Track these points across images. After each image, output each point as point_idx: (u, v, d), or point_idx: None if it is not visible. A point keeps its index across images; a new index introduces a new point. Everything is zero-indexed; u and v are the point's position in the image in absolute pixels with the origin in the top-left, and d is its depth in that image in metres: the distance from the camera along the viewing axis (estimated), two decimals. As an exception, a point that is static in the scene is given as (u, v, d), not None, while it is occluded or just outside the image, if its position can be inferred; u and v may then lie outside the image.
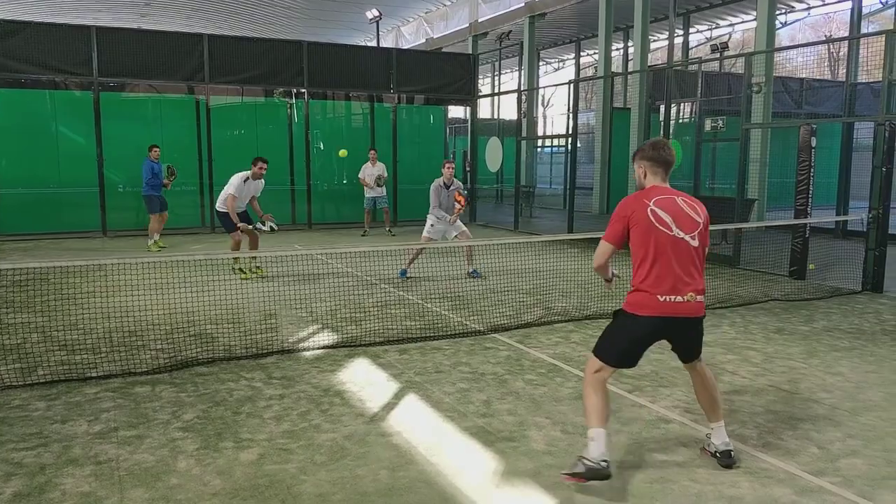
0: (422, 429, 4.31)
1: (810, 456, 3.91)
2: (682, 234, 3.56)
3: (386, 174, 14.81)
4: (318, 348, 6.09)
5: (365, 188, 14.71)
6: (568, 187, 14.09)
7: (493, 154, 16.53)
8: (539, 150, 32.53)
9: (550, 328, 6.81)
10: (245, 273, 9.01)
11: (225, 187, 9.29)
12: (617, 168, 19.53)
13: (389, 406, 4.72)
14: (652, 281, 3.54)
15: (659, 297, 3.52)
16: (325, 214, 16.42)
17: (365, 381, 5.24)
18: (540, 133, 35.46)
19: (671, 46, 18.07)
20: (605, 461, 3.45)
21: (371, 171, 14.52)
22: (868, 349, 6.10)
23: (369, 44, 30.41)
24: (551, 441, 4.11)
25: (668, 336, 3.67)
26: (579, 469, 3.48)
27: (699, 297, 3.59)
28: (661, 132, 13.56)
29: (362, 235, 14.53)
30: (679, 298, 3.53)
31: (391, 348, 6.09)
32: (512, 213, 16.85)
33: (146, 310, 7.17)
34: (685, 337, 3.70)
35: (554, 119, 43.55)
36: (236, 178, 9.19)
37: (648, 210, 3.57)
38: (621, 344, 3.66)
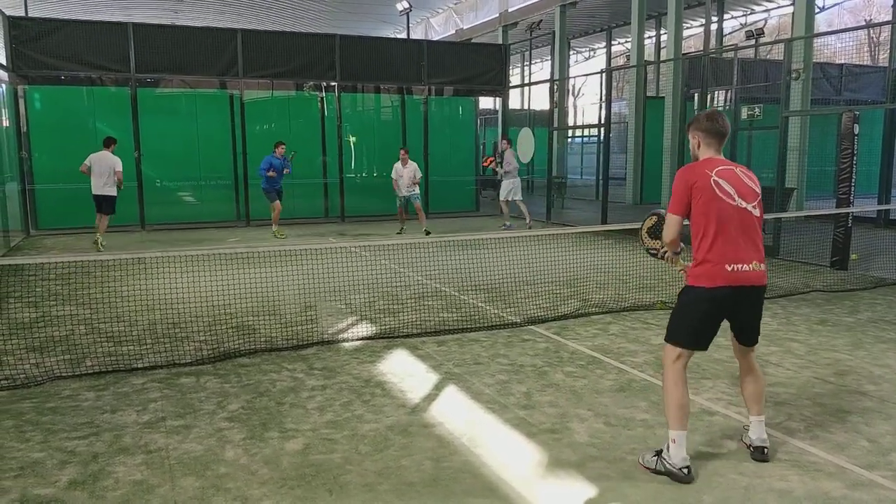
0: (463, 420, 4.32)
1: (860, 449, 3.84)
2: (744, 204, 3.55)
3: (420, 174, 13.64)
4: (357, 339, 6.15)
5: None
6: (601, 178, 13.91)
7: (525, 145, 16.44)
8: (570, 140, 32.29)
9: (588, 320, 6.77)
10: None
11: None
12: (650, 157, 19.33)
13: (430, 397, 4.75)
14: (718, 251, 3.51)
15: (727, 266, 3.50)
16: (358, 207, 16.48)
17: (404, 372, 5.27)
18: (571, 123, 35.17)
19: (707, 33, 17.78)
20: (687, 468, 3.48)
21: (401, 171, 13.33)
22: (916, 341, 5.97)
23: (399, 36, 30.45)
24: (594, 433, 4.10)
25: (736, 308, 3.60)
26: (659, 468, 3.54)
27: (762, 266, 3.59)
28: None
29: (398, 234, 13.57)
30: (746, 267, 3.52)
31: (429, 339, 6.12)
32: (543, 204, 16.77)
33: (188, 302, 7.27)
34: (750, 311, 3.66)
35: (585, 109, 43.15)
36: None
37: (712, 181, 3.54)
38: (694, 321, 3.60)
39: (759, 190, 3.66)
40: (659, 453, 3.61)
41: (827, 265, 9.34)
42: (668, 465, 3.51)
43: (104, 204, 11.53)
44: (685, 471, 3.47)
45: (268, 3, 27.41)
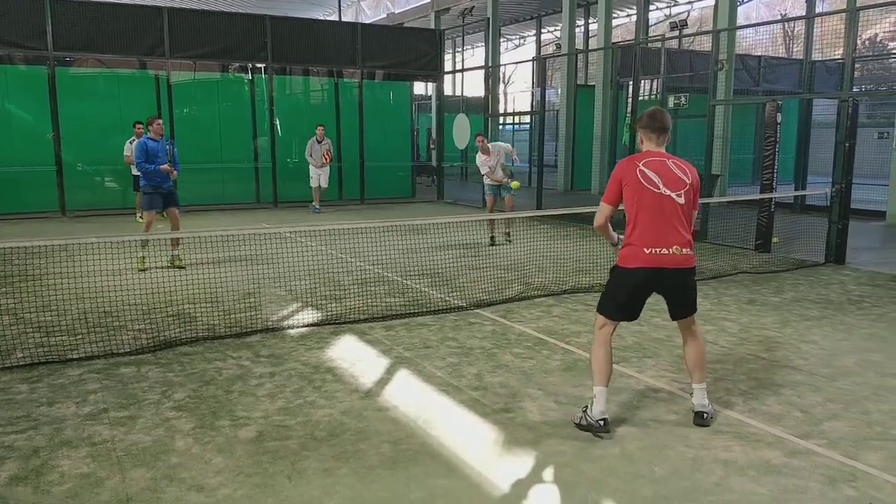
0: (418, 402, 4.34)
1: (795, 420, 4.07)
2: (668, 192, 3.83)
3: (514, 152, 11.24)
4: (303, 326, 6.06)
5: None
6: (536, 165, 14.11)
7: (461, 131, 16.49)
8: (500, 127, 32.55)
9: (531, 303, 6.89)
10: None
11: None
12: (581, 145, 19.70)
13: (382, 381, 4.74)
14: (639, 235, 3.84)
15: (645, 249, 3.81)
16: (291, 192, 16.17)
17: (354, 357, 5.24)
18: (502, 111, 35.46)
19: (639, 22, 18.22)
20: (602, 420, 3.80)
21: (486, 159, 10.68)
22: (837, 318, 6.34)
23: (329, 18, 29.93)
24: (545, 412, 4.19)
25: (658, 288, 3.92)
26: (582, 422, 3.87)
27: (685, 250, 3.84)
28: (629, 109, 13.70)
29: (491, 244, 10.33)
30: (665, 251, 3.79)
31: (376, 325, 6.10)
32: (477, 191, 16.85)
33: (120, 290, 7.01)
34: (675, 290, 3.94)
35: (515, 97, 43.55)
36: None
37: (637, 171, 3.86)
38: (618, 296, 3.95)
39: (688, 180, 3.91)
40: (584, 410, 3.90)
41: (751, 248, 9.78)
42: (588, 419, 3.83)
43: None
44: (601, 422, 3.81)
45: (192, -19, 26.46)
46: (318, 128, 14.64)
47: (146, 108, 14.69)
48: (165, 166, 8.23)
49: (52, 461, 3.57)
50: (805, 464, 3.52)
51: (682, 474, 3.42)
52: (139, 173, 8.53)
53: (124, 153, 12.66)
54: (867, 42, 28.49)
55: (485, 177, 10.70)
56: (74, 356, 5.20)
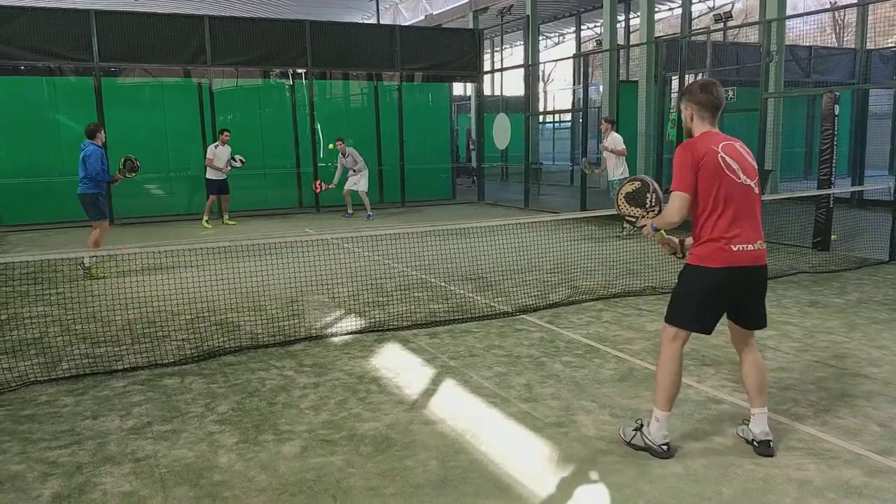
0: (465, 416, 4.17)
1: (872, 434, 3.78)
2: (748, 181, 3.45)
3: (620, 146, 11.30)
4: (346, 334, 5.95)
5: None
6: (578, 163, 13.82)
7: (502, 131, 16.28)
8: (540, 125, 32.20)
9: (579, 307, 6.66)
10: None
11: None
12: (625, 142, 19.26)
13: (428, 392, 4.59)
14: (724, 230, 3.40)
15: (733, 246, 3.40)
16: (335, 197, 16.13)
17: (399, 366, 5.10)
18: (541, 109, 35.09)
19: (684, 16, 17.75)
20: (666, 444, 3.52)
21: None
22: (908, 321, 5.97)
23: (367, 21, 29.98)
24: (601, 426, 3.98)
25: (742, 290, 3.50)
26: (636, 442, 3.57)
27: (764, 245, 3.52)
28: (678, 104, 13.30)
29: (623, 236, 10.62)
30: (750, 247, 3.44)
31: (420, 332, 5.95)
32: (518, 191, 16.68)
33: (164, 299, 7.01)
34: (755, 292, 3.57)
35: (555, 94, 43.09)
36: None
37: (719, 157, 3.41)
38: (698, 302, 3.49)
39: (757, 166, 3.57)
40: (639, 428, 3.59)
41: (809, 246, 9.36)
42: (647, 441, 3.54)
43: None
44: (664, 447, 3.53)
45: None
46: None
47: (190, 116, 14.89)
48: (118, 175, 9.06)
49: (94, 478, 3.50)
50: (888, 484, 3.25)
51: (752, 496, 3.18)
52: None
53: (207, 156, 13.31)
54: (924, 28, 27.31)
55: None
56: (119, 367, 5.17)
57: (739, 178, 3.42)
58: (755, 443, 3.59)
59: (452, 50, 16.94)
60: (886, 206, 10.78)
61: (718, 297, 3.48)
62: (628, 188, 3.82)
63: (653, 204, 3.71)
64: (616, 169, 11.23)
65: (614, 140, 11.31)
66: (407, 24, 29.82)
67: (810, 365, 4.90)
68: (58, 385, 4.84)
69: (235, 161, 13.24)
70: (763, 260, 3.51)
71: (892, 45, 22.56)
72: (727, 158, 3.42)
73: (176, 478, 3.50)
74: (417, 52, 16.50)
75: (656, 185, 3.75)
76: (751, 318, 3.60)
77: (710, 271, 3.43)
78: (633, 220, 3.79)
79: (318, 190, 14.62)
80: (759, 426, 3.59)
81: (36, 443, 3.92)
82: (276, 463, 3.63)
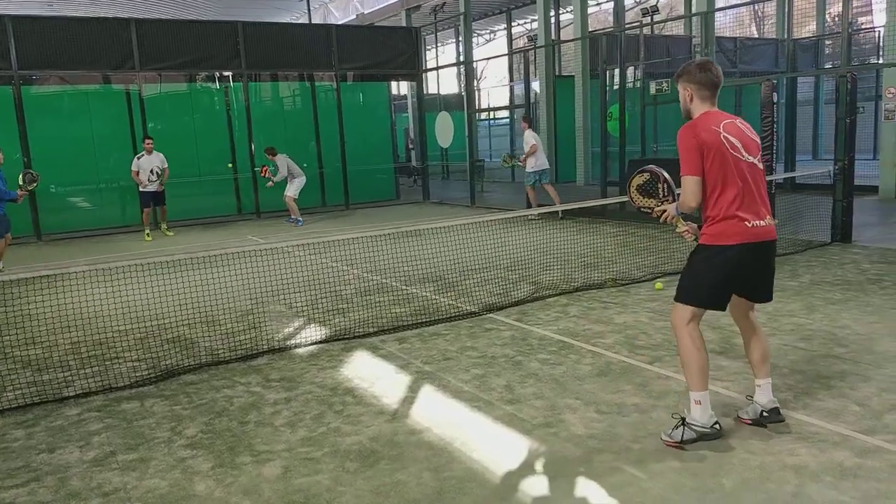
0: (450, 422, 4.05)
1: (854, 414, 3.83)
2: (751, 158, 3.47)
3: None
4: (311, 344, 5.73)
5: None
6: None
7: (444, 129, 16.20)
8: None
9: (544, 303, 6.62)
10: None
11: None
12: (561, 137, 19.47)
13: (408, 400, 4.44)
14: (737, 207, 3.41)
15: (747, 223, 3.41)
16: (273, 202, 15.74)
17: (372, 375, 4.93)
18: (477, 106, 35.13)
19: (616, 9, 18.02)
20: (717, 423, 3.47)
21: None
22: (862, 299, 6.15)
23: (298, 21, 29.42)
24: (589, 423, 3.91)
25: (755, 265, 3.51)
26: (687, 437, 3.46)
27: (773, 221, 3.53)
28: (619, 98, 13.49)
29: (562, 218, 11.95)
30: (761, 222, 3.46)
31: (387, 338, 5.79)
32: (461, 189, 16.64)
33: (108, 317, 6.65)
34: (767, 267, 3.59)
35: (489, 92, 43.28)
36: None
37: (721, 136, 3.42)
38: (716, 279, 3.48)
39: (759, 141, 3.59)
40: (683, 421, 3.50)
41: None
42: (697, 429, 3.47)
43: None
44: (716, 426, 3.47)
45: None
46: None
47: (118, 124, 14.24)
48: (21, 191, 8.95)
49: (60, 518, 3.22)
50: (880, 464, 3.28)
51: (753, 485, 3.16)
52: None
53: (132, 169, 12.45)
54: (836, 18, 28.66)
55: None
56: (70, 393, 4.83)
57: (743, 156, 3.44)
58: (763, 413, 3.64)
59: (390, 48, 16.74)
60: (817, 190, 11.21)
61: (733, 274, 3.49)
62: (638, 180, 3.80)
63: (665, 193, 3.71)
64: (530, 162, 12.46)
65: (525, 138, 12.61)
66: (339, 23, 29.41)
67: (780, 349, 4.97)
68: (3, 417, 4.48)
69: (153, 175, 12.36)
70: (774, 234, 3.53)
71: (810, 35, 23.57)
72: (729, 137, 3.44)
73: (151, 511, 3.25)
74: (355, 52, 16.23)
75: (666, 175, 3.74)
76: (760, 291, 3.64)
77: (724, 249, 3.43)
78: (649, 210, 3.78)
79: (263, 174, 13.94)
80: (765, 396, 3.66)
81: (-12, 483, 3.60)
82: (258, 486, 3.42)
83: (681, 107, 3.65)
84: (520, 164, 12.88)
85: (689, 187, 3.44)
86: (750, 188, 3.44)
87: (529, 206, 12.67)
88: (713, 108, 3.54)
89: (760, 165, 3.52)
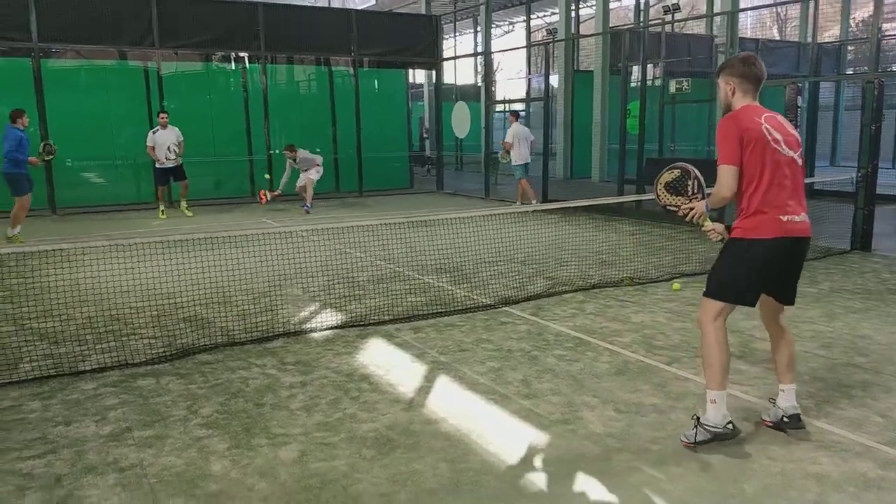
0: (466, 414, 4.03)
1: (876, 425, 3.79)
2: (791, 153, 3.44)
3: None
4: (326, 329, 5.72)
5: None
6: (543, 153, 13.80)
7: (461, 120, 16.13)
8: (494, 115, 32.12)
9: (560, 299, 6.58)
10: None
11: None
12: (579, 132, 19.39)
13: (423, 390, 4.42)
14: (772, 201, 3.37)
15: (782, 217, 3.37)
16: (290, 185, 15.71)
17: (387, 363, 4.92)
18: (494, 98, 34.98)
19: (638, 6, 17.88)
20: (730, 423, 3.43)
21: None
22: (882, 309, 6.08)
23: (318, 5, 29.33)
24: (608, 422, 3.89)
25: (787, 262, 3.48)
26: (703, 437, 3.44)
27: (808, 218, 3.49)
28: (640, 95, 13.38)
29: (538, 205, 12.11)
30: (797, 218, 3.42)
31: (402, 326, 5.77)
32: (474, 180, 16.58)
33: (124, 293, 6.66)
34: (796, 265, 3.56)
35: (505, 85, 43.11)
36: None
37: (763, 128, 3.39)
38: (749, 274, 3.44)
39: (799, 138, 3.55)
40: (697, 423, 3.47)
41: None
42: (710, 429, 3.43)
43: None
44: (730, 426, 3.44)
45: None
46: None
47: (135, 101, 14.24)
48: (34, 158, 9.53)
49: (78, 491, 3.22)
50: (903, 476, 3.25)
51: (774, 492, 3.13)
52: None
53: (147, 143, 12.32)
54: (860, 24, 28.38)
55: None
56: (86, 367, 4.83)
57: (783, 150, 3.41)
58: (785, 418, 3.59)
59: (409, 36, 16.66)
60: (836, 196, 11.12)
61: (765, 270, 3.45)
62: (667, 177, 3.71)
63: (695, 191, 3.62)
64: (515, 154, 12.91)
65: (510, 132, 13.00)
66: (359, 8, 29.32)
67: (801, 355, 4.90)
68: (20, 388, 4.49)
69: (170, 153, 12.24)
70: (809, 232, 3.49)
71: (832, 39, 23.33)
72: (771, 130, 3.41)
73: (168, 488, 3.25)
74: (374, 38, 16.16)
75: (697, 172, 3.66)
76: (788, 291, 3.60)
77: (758, 243, 3.40)
78: (676, 209, 3.68)
79: (263, 201, 13.55)
80: (788, 401, 3.61)
81: (5, 453, 3.60)
82: (274, 469, 3.42)
83: (721, 101, 3.62)
84: (503, 159, 13.53)
85: (726, 177, 3.38)
86: (788, 183, 3.40)
87: (526, 199, 12.76)
88: (754, 102, 3.51)
89: (800, 161, 3.48)
